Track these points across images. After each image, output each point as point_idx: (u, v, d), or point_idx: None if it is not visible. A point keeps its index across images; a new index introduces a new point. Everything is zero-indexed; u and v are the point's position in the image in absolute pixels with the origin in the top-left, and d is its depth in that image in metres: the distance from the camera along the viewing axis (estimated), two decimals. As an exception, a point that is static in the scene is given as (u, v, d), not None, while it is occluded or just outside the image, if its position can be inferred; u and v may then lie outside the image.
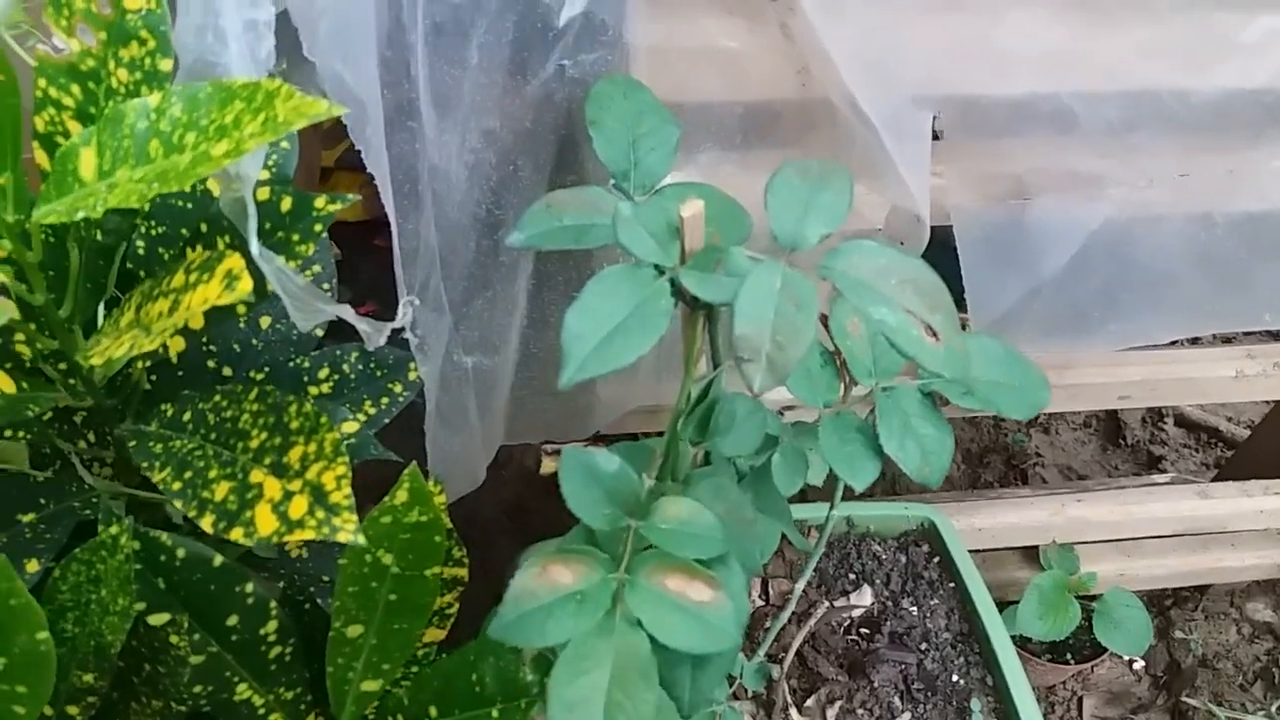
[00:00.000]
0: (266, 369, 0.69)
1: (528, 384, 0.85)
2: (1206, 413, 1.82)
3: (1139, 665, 1.57)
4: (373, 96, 0.59)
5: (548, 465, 1.00)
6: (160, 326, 0.41)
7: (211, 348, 0.71)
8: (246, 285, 0.40)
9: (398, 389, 0.72)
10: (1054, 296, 0.96)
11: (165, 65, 0.48)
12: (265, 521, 0.48)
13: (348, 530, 0.46)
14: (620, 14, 0.70)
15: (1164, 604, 1.62)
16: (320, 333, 0.75)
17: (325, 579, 0.74)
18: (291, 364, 0.70)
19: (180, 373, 0.68)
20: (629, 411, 1.04)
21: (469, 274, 0.73)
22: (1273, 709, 1.47)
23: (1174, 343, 1.21)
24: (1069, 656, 1.43)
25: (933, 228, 0.85)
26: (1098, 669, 1.53)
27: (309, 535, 0.46)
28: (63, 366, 0.55)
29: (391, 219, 0.62)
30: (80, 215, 0.40)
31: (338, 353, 0.72)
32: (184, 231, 0.56)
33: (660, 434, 0.62)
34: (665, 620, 0.48)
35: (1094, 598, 1.34)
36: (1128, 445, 1.80)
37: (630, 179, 0.64)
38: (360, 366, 0.72)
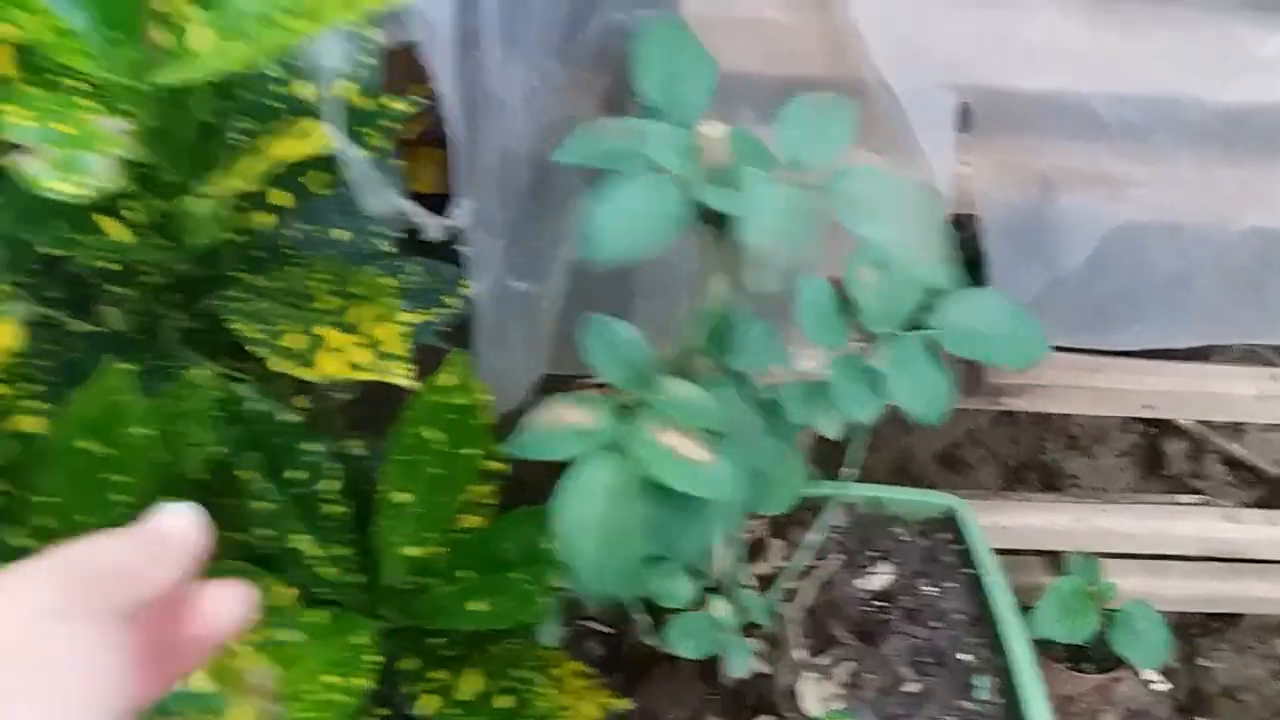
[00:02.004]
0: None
1: (571, 317, 0.93)
2: (1252, 452, 1.84)
3: (1161, 687, 1.59)
4: (443, 21, 0.67)
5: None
6: (251, 172, 0.50)
7: (298, 259, 0.80)
8: (319, 139, 0.49)
9: (451, 302, 0.80)
10: (1077, 291, 1.01)
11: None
12: (329, 364, 0.56)
13: (400, 375, 0.55)
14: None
15: (1189, 631, 1.64)
16: (390, 249, 0.83)
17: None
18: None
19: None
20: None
21: (522, 203, 0.81)
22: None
23: (1202, 359, 1.25)
24: (1087, 666, 1.46)
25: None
26: (1118, 685, 1.55)
27: (368, 376, 0.55)
28: (168, 243, 0.64)
29: (451, 134, 0.71)
30: (197, 77, 0.49)
31: (400, 264, 0.80)
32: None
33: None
34: (660, 463, 0.56)
35: (1115, 611, 1.37)
36: (1167, 475, 1.82)
37: (669, 113, 0.72)
38: (419, 279, 0.80)
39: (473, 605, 0.68)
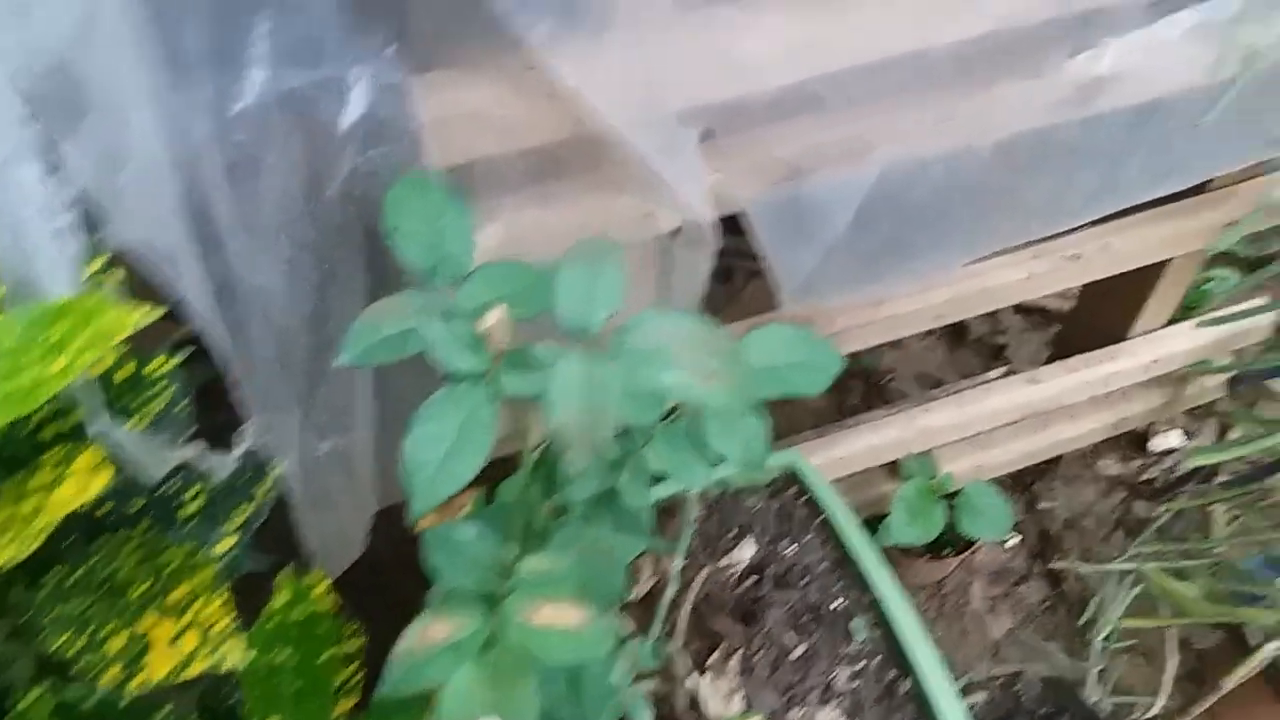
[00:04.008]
0: (141, 501, 0.73)
1: (387, 449, 0.91)
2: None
3: (1013, 542, 1.71)
4: (184, 248, 0.64)
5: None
6: (30, 533, 0.47)
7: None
8: (101, 481, 0.46)
9: (263, 490, 0.77)
10: (848, 251, 1.05)
11: (-2, 293, 0.53)
12: (161, 663, 0.54)
13: (235, 656, 0.53)
14: (398, 106, 0.76)
15: (1026, 481, 1.76)
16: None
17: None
18: (158, 493, 0.75)
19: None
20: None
21: (307, 368, 0.79)
22: (1128, 553, 1.62)
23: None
24: (947, 550, 1.56)
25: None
26: (977, 555, 1.67)
27: (201, 668, 0.53)
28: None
29: (222, 349, 0.68)
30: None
31: (200, 474, 0.77)
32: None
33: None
34: (540, 644, 0.56)
35: (957, 493, 1.46)
36: (972, 341, 1.93)
37: (438, 273, 0.70)
38: (222, 481, 0.77)
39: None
